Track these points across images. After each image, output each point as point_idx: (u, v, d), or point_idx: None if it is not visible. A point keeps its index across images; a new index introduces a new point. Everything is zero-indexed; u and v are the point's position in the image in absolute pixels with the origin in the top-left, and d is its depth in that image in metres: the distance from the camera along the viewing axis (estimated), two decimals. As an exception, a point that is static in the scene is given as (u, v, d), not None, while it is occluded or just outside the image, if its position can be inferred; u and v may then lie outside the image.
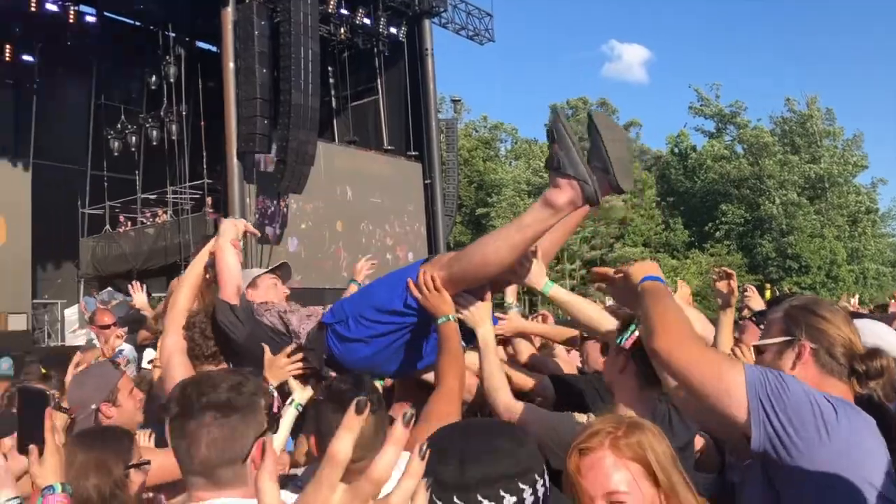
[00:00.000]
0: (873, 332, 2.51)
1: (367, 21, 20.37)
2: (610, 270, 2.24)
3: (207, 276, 2.97)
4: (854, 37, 76.97)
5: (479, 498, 1.23)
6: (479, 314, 2.56)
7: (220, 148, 17.60)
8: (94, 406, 2.93)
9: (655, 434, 1.59)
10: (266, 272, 3.25)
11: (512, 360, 3.65)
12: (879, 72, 74.11)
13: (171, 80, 19.58)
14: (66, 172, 20.29)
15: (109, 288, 18.71)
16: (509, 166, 44.46)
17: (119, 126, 20.75)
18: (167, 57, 19.58)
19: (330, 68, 21.68)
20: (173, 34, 19.79)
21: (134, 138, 20.68)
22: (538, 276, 2.62)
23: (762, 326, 2.29)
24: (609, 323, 2.68)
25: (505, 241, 2.31)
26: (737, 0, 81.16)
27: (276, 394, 2.62)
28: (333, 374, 2.65)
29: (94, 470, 2.10)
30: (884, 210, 45.11)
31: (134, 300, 6.01)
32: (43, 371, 4.57)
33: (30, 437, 1.74)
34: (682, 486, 1.54)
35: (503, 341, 3.75)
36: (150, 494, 2.32)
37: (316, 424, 2.05)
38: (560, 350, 4.05)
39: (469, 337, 2.58)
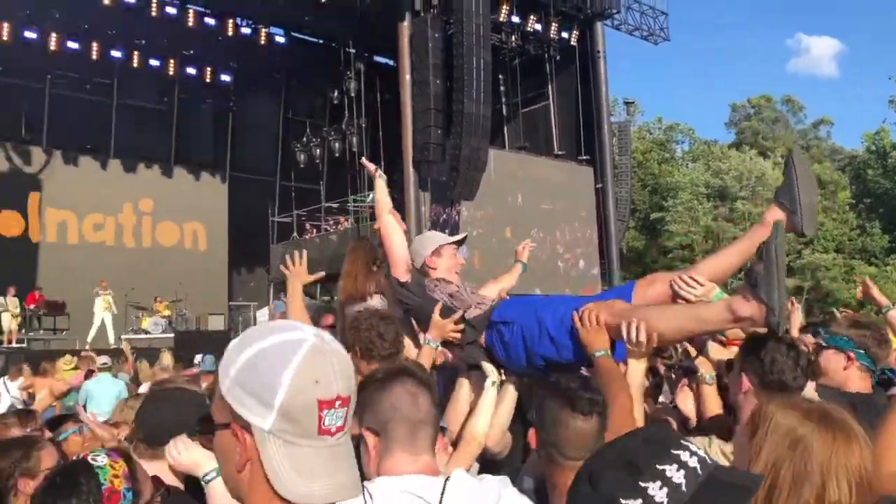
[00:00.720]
0: None
1: (537, 27, 20.34)
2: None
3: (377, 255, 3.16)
4: None
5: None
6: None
7: (397, 158, 18.25)
8: None
9: None
10: (450, 243, 3.36)
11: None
12: None
13: (352, 94, 20.56)
14: (258, 184, 21.85)
15: (295, 291, 19.89)
16: (686, 168, 42.67)
17: (305, 139, 22.06)
18: (348, 72, 20.58)
19: (501, 76, 21.83)
20: (353, 50, 20.77)
21: (318, 150, 21.92)
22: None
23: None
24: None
25: (678, 325, 2.46)
26: (946, -20, 73.28)
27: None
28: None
29: None
30: None
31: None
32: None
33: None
34: None
35: None
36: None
37: (540, 418, 2.13)
38: None
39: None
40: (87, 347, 13.77)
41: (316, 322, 6.40)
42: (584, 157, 21.40)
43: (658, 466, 1.07)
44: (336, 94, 21.30)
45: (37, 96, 18.21)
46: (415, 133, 16.99)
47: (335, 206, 21.61)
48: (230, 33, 19.05)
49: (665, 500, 1.05)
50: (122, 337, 15.39)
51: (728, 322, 2.34)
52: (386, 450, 1.67)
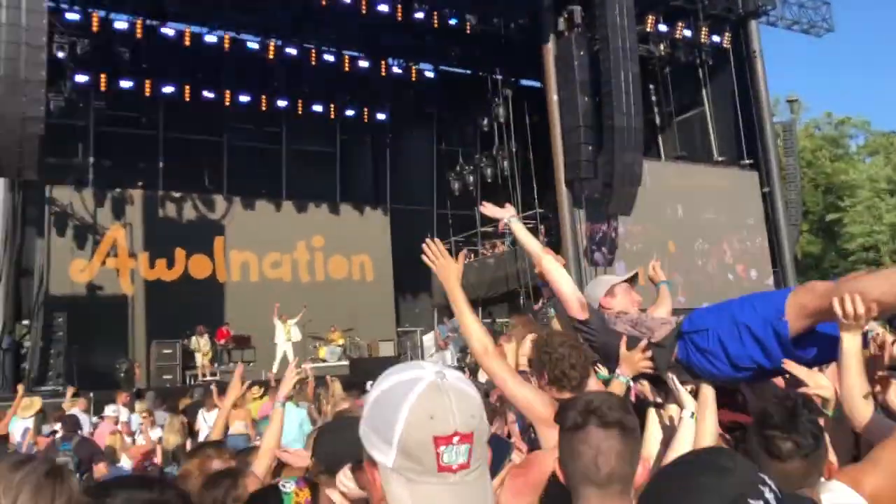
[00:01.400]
0: None
1: (687, 33, 19.84)
2: None
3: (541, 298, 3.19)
4: None
5: None
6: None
7: (549, 178, 18.33)
8: None
9: None
10: (622, 281, 3.30)
11: None
12: None
13: (501, 119, 20.93)
14: (417, 214, 22.63)
15: (459, 315, 20.35)
16: (863, 164, 39.62)
17: (458, 168, 22.65)
18: (496, 99, 20.97)
19: (651, 86, 21.44)
20: (500, 76, 21.16)
21: (471, 177, 22.41)
22: None
23: None
24: None
25: None
26: None
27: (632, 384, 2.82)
28: (672, 376, 2.72)
29: None
30: None
31: None
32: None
33: None
34: None
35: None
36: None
37: (743, 448, 2.06)
38: None
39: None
40: (272, 375, 14.77)
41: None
42: (748, 162, 20.53)
43: None
44: (486, 121, 21.75)
45: (215, 149, 19.94)
46: (565, 151, 17.04)
47: (490, 230, 21.97)
48: (383, 74, 20.03)
49: None
50: (303, 366, 16.35)
51: None
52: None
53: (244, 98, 18.96)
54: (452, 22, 18.57)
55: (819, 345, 2.48)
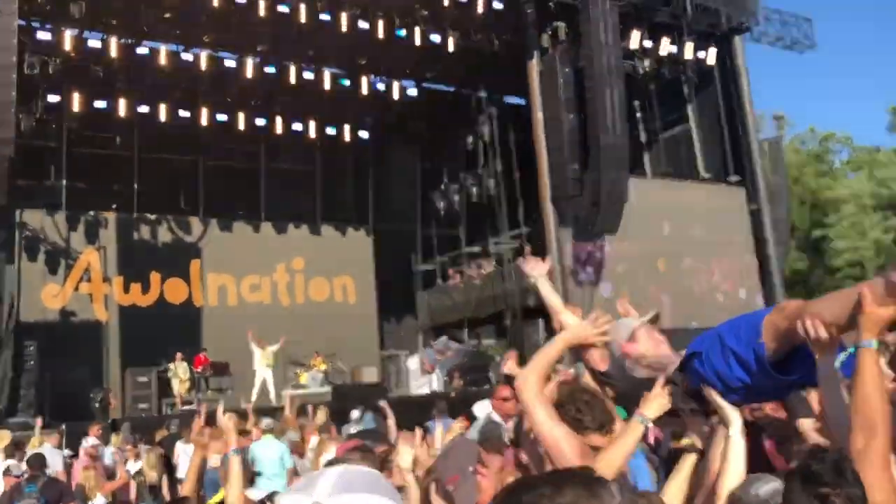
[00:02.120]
0: None
1: (672, 49, 19.65)
2: None
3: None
4: None
5: None
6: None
7: (535, 196, 18.00)
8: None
9: None
10: (642, 324, 3.18)
11: None
12: None
13: (486, 138, 20.65)
14: (400, 234, 22.25)
15: (444, 336, 19.95)
16: (847, 180, 39.67)
17: (442, 186, 22.31)
18: (480, 117, 20.70)
19: (636, 102, 21.23)
20: (484, 94, 20.89)
21: (456, 196, 22.07)
22: None
23: None
24: None
25: (837, 311, 2.19)
26: None
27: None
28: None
29: None
30: None
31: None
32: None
33: None
34: None
35: None
36: None
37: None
38: None
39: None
40: (250, 406, 14.24)
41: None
42: (734, 179, 20.32)
43: None
44: (470, 139, 21.44)
45: (192, 169, 19.47)
46: (551, 170, 16.77)
47: (476, 249, 21.62)
48: (364, 92, 19.64)
49: None
50: (283, 393, 15.85)
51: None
52: None
53: (221, 117, 18.49)
54: (435, 39, 18.24)
55: (803, 366, 2.39)
